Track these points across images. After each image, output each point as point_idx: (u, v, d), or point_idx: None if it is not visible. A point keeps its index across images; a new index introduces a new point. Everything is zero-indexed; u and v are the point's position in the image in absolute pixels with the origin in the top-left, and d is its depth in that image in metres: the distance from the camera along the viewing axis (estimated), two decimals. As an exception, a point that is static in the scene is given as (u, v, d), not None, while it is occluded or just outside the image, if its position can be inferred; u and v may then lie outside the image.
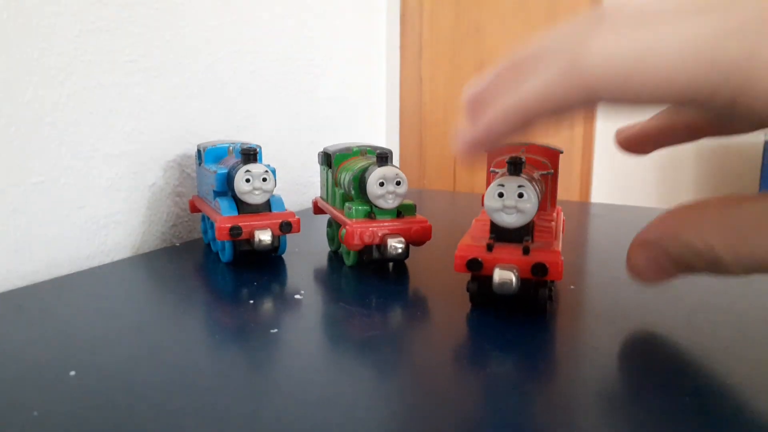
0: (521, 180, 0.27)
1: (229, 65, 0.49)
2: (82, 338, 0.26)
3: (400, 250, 0.34)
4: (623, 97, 0.16)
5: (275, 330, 0.27)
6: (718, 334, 0.26)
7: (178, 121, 0.45)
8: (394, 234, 0.34)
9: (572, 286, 0.33)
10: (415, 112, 0.77)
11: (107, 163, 0.40)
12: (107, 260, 0.40)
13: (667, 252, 0.19)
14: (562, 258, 0.27)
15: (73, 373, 0.22)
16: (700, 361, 0.24)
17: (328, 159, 0.40)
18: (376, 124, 0.75)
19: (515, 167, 0.27)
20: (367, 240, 0.34)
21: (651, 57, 0.15)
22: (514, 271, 0.26)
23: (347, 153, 0.39)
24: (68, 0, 0.36)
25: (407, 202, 0.36)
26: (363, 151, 0.39)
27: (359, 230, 0.34)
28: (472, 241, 0.29)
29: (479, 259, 0.28)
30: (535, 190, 0.27)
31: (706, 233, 0.17)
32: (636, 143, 0.24)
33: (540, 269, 0.27)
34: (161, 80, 0.43)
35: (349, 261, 0.36)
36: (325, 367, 0.23)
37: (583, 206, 0.60)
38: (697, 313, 0.29)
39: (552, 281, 0.29)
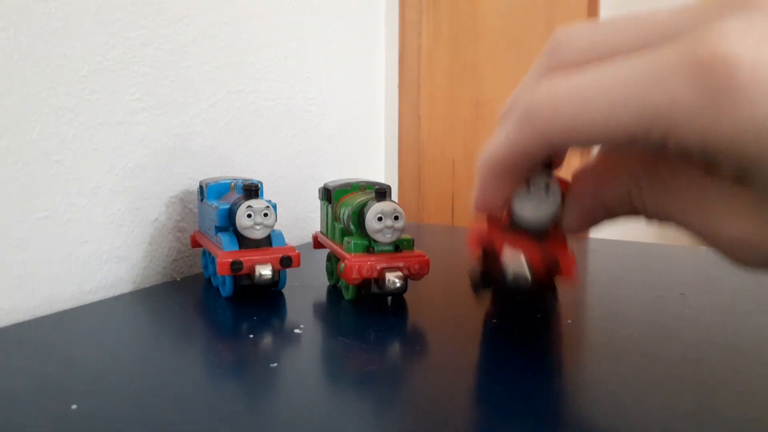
0: (548, 176, 0.25)
1: (231, 104, 0.51)
2: (84, 372, 0.26)
3: (398, 284, 0.34)
4: (572, 140, 0.18)
5: (275, 364, 0.27)
6: (714, 366, 0.26)
7: (180, 158, 0.46)
8: (392, 268, 0.34)
9: (569, 321, 0.33)
10: (413, 148, 0.78)
11: (111, 199, 0.40)
12: (109, 295, 0.40)
13: (603, 201, 0.21)
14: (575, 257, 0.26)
15: (74, 406, 0.22)
16: (694, 388, 0.24)
17: (327, 194, 0.41)
18: (375, 160, 0.76)
19: (548, 166, 0.26)
20: (365, 274, 0.34)
21: (588, 104, 0.17)
22: (526, 265, 0.26)
23: (346, 188, 0.40)
24: (76, 42, 0.37)
25: (406, 236, 0.36)
26: (362, 186, 0.40)
27: (357, 264, 0.34)
28: (486, 220, 0.28)
29: (492, 238, 0.27)
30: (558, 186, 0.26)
31: (641, 184, 0.19)
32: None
33: (554, 266, 0.26)
34: (165, 118, 0.44)
35: (348, 295, 0.37)
36: (324, 402, 0.23)
37: (581, 242, 0.61)
38: (694, 347, 0.29)
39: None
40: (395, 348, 0.29)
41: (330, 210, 0.40)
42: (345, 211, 0.37)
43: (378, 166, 0.77)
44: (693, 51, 0.15)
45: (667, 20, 0.17)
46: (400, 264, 0.35)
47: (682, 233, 0.19)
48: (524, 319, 0.28)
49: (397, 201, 0.37)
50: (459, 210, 0.76)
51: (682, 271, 0.46)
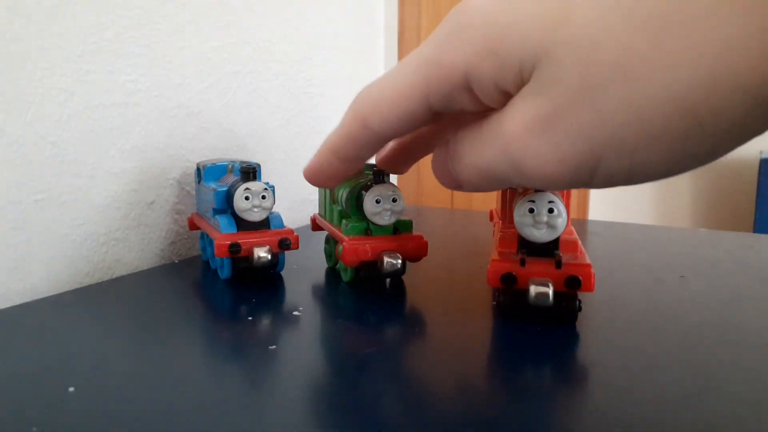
0: (551, 195, 0.28)
1: (229, 85, 0.50)
2: (81, 355, 0.26)
3: (396, 266, 0.34)
4: (379, 118, 0.20)
5: (274, 346, 0.27)
6: (714, 348, 0.26)
7: (177, 140, 0.45)
8: (390, 250, 0.34)
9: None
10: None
11: (107, 181, 0.40)
12: (106, 277, 0.40)
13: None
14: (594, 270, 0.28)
15: (72, 389, 0.22)
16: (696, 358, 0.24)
17: None
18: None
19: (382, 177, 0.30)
20: (363, 256, 0.34)
21: (387, 85, 0.20)
22: (549, 284, 0.27)
23: None
24: (71, 22, 0.37)
25: (404, 219, 0.36)
26: (361, 169, 0.39)
27: (355, 247, 0.34)
28: (502, 256, 0.30)
29: (513, 274, 0.28)
30: (564, 205, 0.28)
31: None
32: (394, 161, 0.27)
33: (574, 282, 0.28)
34: (162, 99, 0.43)
35: (346, 277, 0.37)
36: (323, 384, 0.23)
37: (582, 224, 0.60)
38: (694, 329, 0.29)
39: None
40: (394, 330, 0.29)
41: (328, 192, 0.40)
42: (343, 194, 0.37)
43: (377, 148, 0.76)
44: (450, 15, 0.18)
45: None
46: (398, 246, 0.35)
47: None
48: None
49: (396, 183, 0.37)
50: (458, 192, 0.76)
51: (682, 254, 0.45)
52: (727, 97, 0.13)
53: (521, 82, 0.16)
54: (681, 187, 1.95)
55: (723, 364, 0.25)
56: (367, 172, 0.39)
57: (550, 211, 0.28)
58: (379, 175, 0.35)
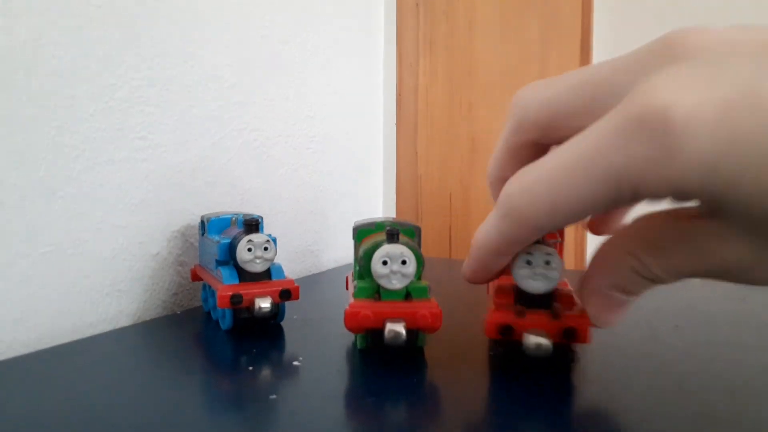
0: (548, 248, 0.28)
1: (234, 142, 0.52)
2: (84, 405, 0.26)
3: (400, 338, 0.30)
4: (555, 221, 0.19)
5: (274, 396, 0.27)
6: (710, 398, 0.27)
7: (183, 194, 0.47)
8: (394, 318, 0.31)
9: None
10: (411, 183, 0.79)
11: (114, 234, 0.41)
12: (109, 328, 0.40)
13: (616, 285, 0.22)
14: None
15: (75, 437, 0.22)
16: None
17: (354, 233, 0.37)
18: (374, 195, 0.77)
19: (394, 237, 0.31)
20: (364, 323, 0.31)
21: (559, 185, 0.18)
22: (546, 335, 0.28)
23: (371, 228, 0.36)
24: (85, 84, 0.39)
25: (420, 283, 0.32)
26: (388, 226, 0.35)
27: (356, 311, 0.31)
28: (499, 307, 0.30)
29: (511, 325, 0.29)
30: (560, 257, 0.29)
31: (640, 256, 0.20)
32: (602, 228, 0.28)
33: (570, 333, 0.28)
34: (169, 155, 0.45)
35: (359, 344, 0.34)
36: None
37: (579, 274, 0.61)
38: (689, 379, 0.29)
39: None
40: (396, 379, 0.30)
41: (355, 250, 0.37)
42: (360, 252, 0.34)
43: (377, 201, 0.78)
44: (632, 110, 0.16)
45: (609, 77, 0.19)
46: (405, 314, 0.31)
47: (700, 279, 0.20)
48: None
49: (419, 243, 0.35)
50: (456, 243, 0.77)
51: (675, 304, 0.46)
52: None
53: (708, 209, 0.17)
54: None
55: (718, 414, 0.25)
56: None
57: (547, 263, 0.28)
58: (392, 235, 0.32)
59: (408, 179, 0.79)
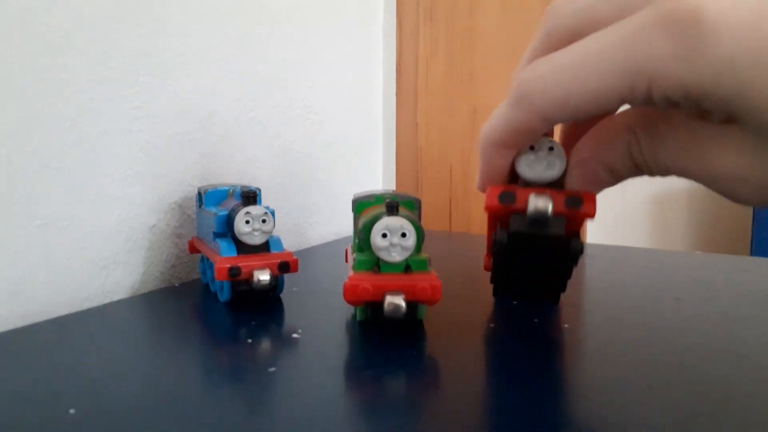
0: (550, 139, 0.26)
1: (231, 112, 0.51)
2: (82, 377, 0.26)
3: (399, 311, 0.30)
4: (566, 112, 0.19)
5: (273, 368, 0.27)
6: (710, 370, 0.27)
7: (180, 165, 0.46)
8: (393, 291, 0.31)
9: (566, 325, 0.34)
10: (411, 155, 0.78)
11: (110, 206, 0.41)
12: (106, 300, 0.40)
13: (605, 161, 0.22)
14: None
15: (72, 411, 0.22)
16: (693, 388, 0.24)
17: (353, 206, 0.37)
18: (373, 168, 0.76)
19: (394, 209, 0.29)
20: (363, 295, 0.31)
21: (574, 76, 0.18)
22: (549, 197, 0.25)
23: (369, 201, 0.36)
24: (77, 53, 0.38)
25: (421, 256, 0.32)
26: (387, 198, 0.35)
27: (355, 284, 0.31)
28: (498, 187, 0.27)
29: (513, 192, 0.26)
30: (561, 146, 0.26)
31: (639, 135, 0.20)
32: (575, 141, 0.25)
33: (576, 201, 0.25)
34: (164, 126, 0.44)
35: (359, 316, 0.34)
36: (323, 406, 0.24)
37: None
38: (690, 351, 0.29)
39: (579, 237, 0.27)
40: (395, 350, 0.30)
41: (354, 223, 0.37)
42: (360, 224, 0.34)
43: (376, 173, 0.77)
44: (662, 7, 0.16)
45: None
46: (404, 286, 0.31)
47: (685, 179, 0.20)
48: (521, 323, 0.29)
49: (420, 216, 0.35)
50: (457, 216, 0.76)
51: (677, 276, 0.46)
52: None
53: (727, 116, 0.17)
54: (676, 211, 1.96)
55: (719, 387, 0.25)
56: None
57: (551, 149, 0.26)
58: (391, 207, 0.31)
59: (408, 151, 0.78)
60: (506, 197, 0.26)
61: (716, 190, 0.19)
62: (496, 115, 0.22)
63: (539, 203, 0.25)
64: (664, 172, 0.20)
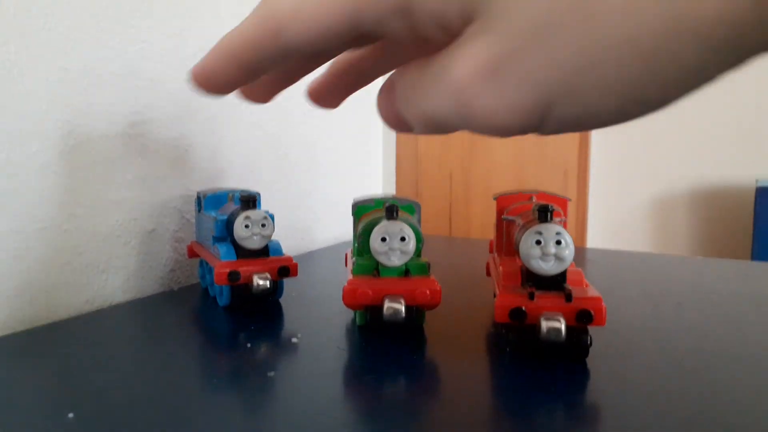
0: (558, 227, 0.27)
1: (230, 117, 0.51)
2: (81, 381, 0.26)
3: (399, 315, 0.30)
4: (308, 37, 0.17)
5: (272, 373, 0.27)
6: (710, 374, 0.26)
7: (179, 169, 0.46)
8: (393, 295, 0.31)
9: (566, 329, 0.33)
10: (410, 162, 0.79)
11: (109, 210, 0.40)
12: (105, 305, 0.40)
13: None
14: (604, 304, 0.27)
15: (71, 415, 0.22)
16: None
17: (353, 210, 0.37)
18: (373, 174, 0.76)
19: (547, 215, 0.27)
20: (362, 299, 0.31)
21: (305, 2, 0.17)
22: (561, 319, 0.26)
23: (369, 205, 0.36)
24: (77, 56, 0.38)
25: (420, 260, 0.32)
26: (386, 203, 0.35)
27: (354, 288, 0.31)
28: (508, 290, 0.29)
29: (523, 308, 0.27)
30: (569, 236, 0.27)
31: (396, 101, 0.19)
32: (324, 94, 0.24)
33: (585, 316, 0.27)
34: (164, 131, 0.44)
35: (359, 320, 0.34)
36: (321, 410, 0.23)
37: (580, 251, 0.61)
38: (691, 355, 0.29)
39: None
40: (394, 355, 0.29)
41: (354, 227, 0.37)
42: (360, 229, 0.34)
43: (376, 179, 0.77)
44: None
45: None
46: (404, 290, 0.31)
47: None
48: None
49: (419, 220, 0.34)
50: (456, 221, 0.76)
51: (678, 281, 0.46)
52: (686, 42, 0.13)
53: (466, 19, 0.15)
54: (677, 213, 1.96)
55: (719, 390, 0.25)
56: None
57: (558, 243, 0.27)
58: (391, 211, 0.32)
59: (408, 157, 0.78)
60: (517, 315, 0.27)
61: (469, 118, 0.16)
62: (239, 26, 0.20)
63: (552, 327, 0.26)
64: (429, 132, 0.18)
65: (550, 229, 0.27)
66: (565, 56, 0.14)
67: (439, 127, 0.17)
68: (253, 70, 0.20)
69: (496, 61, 0.14)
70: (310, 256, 0.57)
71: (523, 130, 0.15)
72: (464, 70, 0.15)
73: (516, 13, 0.14)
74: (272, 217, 0.37)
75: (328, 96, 0.24)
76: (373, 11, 0.16)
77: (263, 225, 0.37)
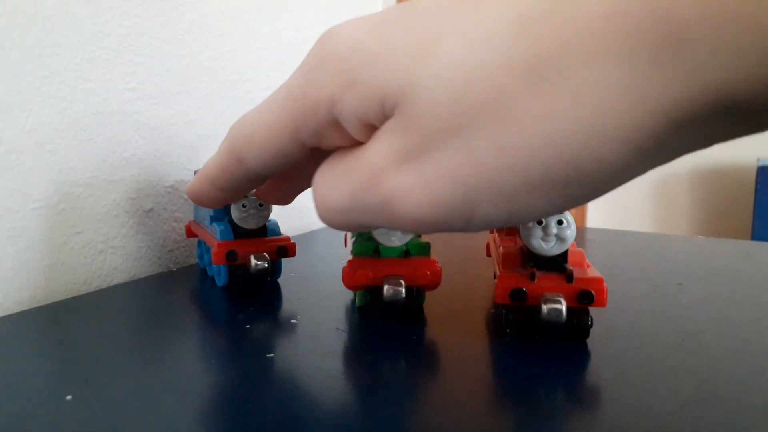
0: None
1: (227, 93, 0.50)
2: (79, 363, 0.26)
3: (399, 296, 0.30)
4: (264, 161, 0.19)
5: (271, 354, 0.27)
6: (711, 355, 0.26)
7: (176, 147, 0.45)
8: (393, 276, 0.31)
9: (567, 310, 0.33)
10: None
11: (106, 189, 0.40)
12: (104, 285, 0.40)
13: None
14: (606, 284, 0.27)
15: (69, 397, 0.22)
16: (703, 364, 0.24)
17: None
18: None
19: None
20: (362, 280, 0.31)
21: (260, 110, 0.18)
22: (562, 300, 0.26)
23: None
24: (70, 31, 0.37)
25: (421, 240, 0.32)
26: None
27: (354, 269, 0.31)
28: (509, 271, 0.28)
29: (523, 289, 0.27)
30: (571, 217, 0.27)
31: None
32: (274, 193, 0.25)
33: (587, 297, 0.27)
34: (160, 107, 0.44)
35: (358, 302, 0.33)
36: (321, 392, 0.23)
37: (580, 232, 0.60)
38: (692, 336, 0.29)
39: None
40: (394, 336, 0.29)
41: None
42: None
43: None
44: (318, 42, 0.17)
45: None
46: (404, 271, 0.31)
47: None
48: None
49: None
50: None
51: (679, 261, 0.46)
52: (608, 146, 0.12)
53: (384, 116, 0.15)
54: (678, 194, 1.96)
55: (720, 371, 0.25)
56: None
57: (559, 222, 0.27)
58: None
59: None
60: (518, 296, 0.27)
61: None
62: (214, 156, 0.22)
63: (553, 308, 0.26)
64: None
65: None
66: (486, 155, 0.13)
67: (354, 225, 0.17)
68: (233, 189, 0.22)
69: (414, 152, 0.14)
70: (309, 236, 0.56)
71: (447, 227, 0.15)
72: (380, 160, 0.15)
73: (432, 110, 0.14)
74: (271, 196, 0.37)
75: (280, 196, 0.26)
76: (309, 128, 0.17)
77: (261, 204, 0.36)
